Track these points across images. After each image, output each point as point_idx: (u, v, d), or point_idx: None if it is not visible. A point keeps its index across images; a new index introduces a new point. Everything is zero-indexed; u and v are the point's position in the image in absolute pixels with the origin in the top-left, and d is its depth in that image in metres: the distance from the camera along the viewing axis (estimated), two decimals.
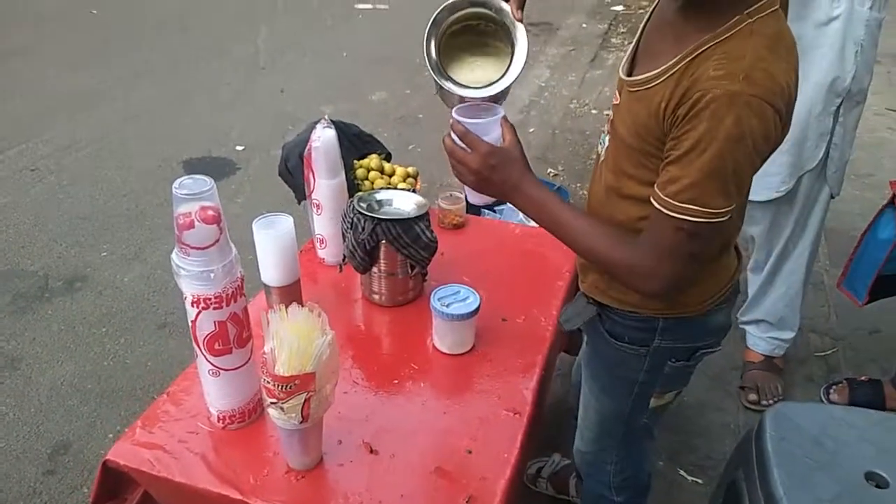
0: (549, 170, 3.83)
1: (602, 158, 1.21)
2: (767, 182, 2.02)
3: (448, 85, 1.32)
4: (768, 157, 1.01)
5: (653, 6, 1.16)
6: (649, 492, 1.65)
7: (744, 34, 0.94)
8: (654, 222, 1.04)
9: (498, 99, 1.32)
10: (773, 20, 0.96)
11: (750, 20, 0.94)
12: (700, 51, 0.96)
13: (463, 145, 1.16)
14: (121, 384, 2.42)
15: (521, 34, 1.29)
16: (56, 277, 2.96)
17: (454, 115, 1.19)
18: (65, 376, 2.45)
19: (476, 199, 1.26)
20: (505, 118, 1.20)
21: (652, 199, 1.02)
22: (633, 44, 1.17)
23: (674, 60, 0.99)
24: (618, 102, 1.15)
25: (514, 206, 1.19)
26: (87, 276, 2.97)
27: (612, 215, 1.18)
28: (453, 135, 1.17)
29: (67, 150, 4.04)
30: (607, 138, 1.20)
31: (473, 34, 1.34)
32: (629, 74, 1.11)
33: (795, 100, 0.98)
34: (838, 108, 1.94)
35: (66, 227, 3.31)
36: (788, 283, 2.24)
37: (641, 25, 1.17)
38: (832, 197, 2.11)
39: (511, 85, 1.32)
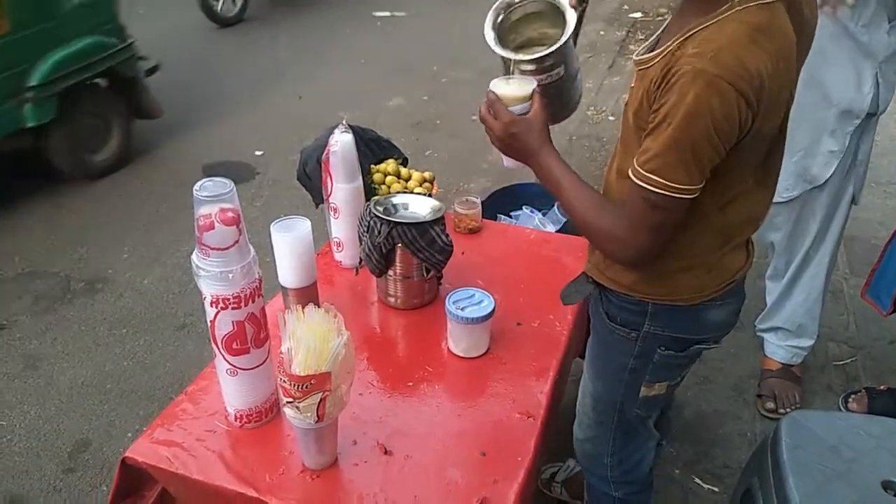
0: None
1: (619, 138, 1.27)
2: None
3: (506, 52, 1.40)
4: (739, 141, 1.03)
5: None
6: (651, 489, 1.63)
7: (728, 20, 0.99)
8: (628, 191, 1.09)
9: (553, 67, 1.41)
10: (764, 12, 1.00)
11: (739, 8, 0.99)
12: (689, 34, 1.01)
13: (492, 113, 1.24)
14: (140, 384, 2.45)
15: (570, 16, 1.39)
16: (77, 279, 3.01)
17: (490, 86, 1.27)
18: (85, 376, 2.49)
19: (508, 162, 1.33)
20: (536, 91, 1.25)
21: (629, 170, 1.08)
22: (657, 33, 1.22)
23: (669, 43, 1.04)
24: (633, 85, 1.19)
25: (532, 170, 1.26)
26: (108, 278, 3.02)
27: (619, 193, 1.21)
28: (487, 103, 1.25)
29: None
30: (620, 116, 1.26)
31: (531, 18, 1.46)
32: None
33: (774, 90, 1.01)
34: (856, 128, 1.92)
35: (87, 230, 3.36)
36: (808, 291, 2.22)
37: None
38: (853, 204, 2.10)
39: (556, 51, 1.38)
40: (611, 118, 4.48)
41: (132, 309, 2.83)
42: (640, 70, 1.12)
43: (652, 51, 1.15)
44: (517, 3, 1.42)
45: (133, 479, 1.29)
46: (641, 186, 1.04)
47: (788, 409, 2.22)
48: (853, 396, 2.25)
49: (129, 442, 1.31)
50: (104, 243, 3.26)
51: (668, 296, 1.24)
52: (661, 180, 1.02)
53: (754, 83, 0.97)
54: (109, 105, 3.82)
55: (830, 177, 1.98)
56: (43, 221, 3.43)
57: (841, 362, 2.49)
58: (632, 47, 5.87)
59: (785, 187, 2.03)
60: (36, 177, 3.76)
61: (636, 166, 1.05)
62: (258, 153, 4.12)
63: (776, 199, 2.03)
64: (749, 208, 1.21)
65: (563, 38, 1.37)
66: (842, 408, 2.25)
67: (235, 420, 1.31)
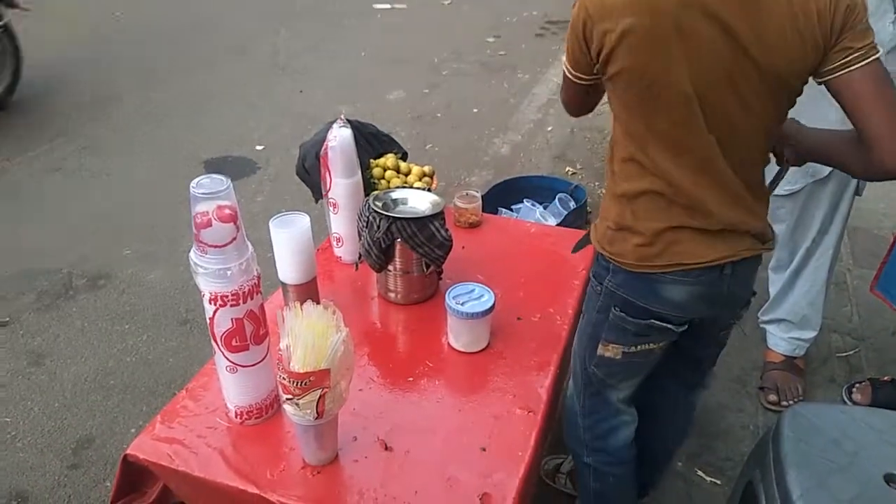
0: (568, 168, 3.82)
1: None
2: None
3: None
4: (598, 59, 1.16)
5: None
6: (626, 465, 1.60)
7: None
8: None
9: None
10: None
11: None
12: None
13: None
14: (143, 380, 2.46)
15: None
16: (80, 275, 3.01)
17: None
18: (88, 372, 2.49)
19: None
20: None
21: None
22: None
23: None
24: None
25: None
26: (111, 274, 3.02)
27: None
28: None
29: (91, 149, 4.11)
30: None
31: None
32: None
33: (631, 26, 1.08)
34: None
35: (89, 226, 3.37)
36: (811, 282, 2.21)
37: None
38: (857, 195, 2.09)
39: None
40: None
41: (135, 305, 2.84)
42: None
43: None
44: None
45: (134, 476, 1.29)
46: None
47: (791, 402, 2.22)
48: (856, 388, 2.25)
49: (133, 438, 1.31)
50: (106, 239, 3.26)
51: (618, 256, 1.30)
52: (564, 61, 1.28)
53: (599, 8, 1.11)
54: None
55: (833, 171, 1.97)
56: (46, 218, 3.44)
57: (844, 354, 2.48)
58: None
59: (787, 180, 2.01)
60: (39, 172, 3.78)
61: None
62: (259, 148, 4.12)
63: (779, 191, 2.03)
64: (700, 196, 1.21)
65: None
66: (845, 399, 2.25)
67: (236, 417, 1.31)
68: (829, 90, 1.15)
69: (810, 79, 1.17)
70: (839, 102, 1.15)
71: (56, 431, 2.25)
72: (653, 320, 1.32)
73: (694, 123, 1.15)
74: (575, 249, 1.58)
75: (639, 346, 1.37)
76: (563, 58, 1.29)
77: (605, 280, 1.34)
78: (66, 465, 2.14)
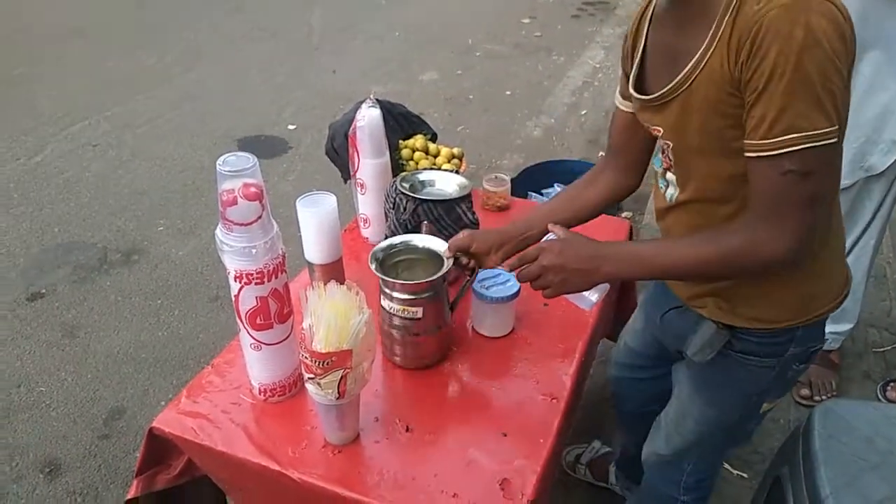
0: (601, 153, 3.76)
1: (672, 203, 1.17)
2: None
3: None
4: (850, 66, 0.90)
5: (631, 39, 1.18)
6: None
7: None
8: (756, 177, 0.93)
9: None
10: None
11: None
12: (736, 1, 0.91)
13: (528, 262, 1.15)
14: (173, 354, 2.50)
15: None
16: (114, 250, 3.07)
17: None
18: (121, 345, 2.54)
19: (583, 302, 1.20)
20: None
21: (747, 154, 0.93)
22: (625, 78, 1.18)
23: (714, 25, 0.93)
24: (662, 131, 1.10)
25: (608, 277, 1.11)
26: (144, 250, 3.07)
27: (692, 227, 1.13)
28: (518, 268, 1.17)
29: (127, 126, 4.17)
30: (673, 182, 1.15)
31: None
32: (655, 92, 1.07)
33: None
34: None
35: (124, 202, 3.42)
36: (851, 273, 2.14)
37: (630, 54, 1.18)
38: None
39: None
40: None
41: (167, 280, 2.88)
42: (686, 87, 1.00)
43: (674, 78, 1.02)
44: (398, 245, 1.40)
45: (160, 449, 1.31)
46: (778, 155, 0.89)
47: (824, 397, 2.17)
48: (892, 385, 2.19)
49: (162, 411, 1.34)
50: (141, 216, 3.31)
51: (815, 312, 1.16)
52: (800, 135, 0.87)
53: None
54: None
55: (890, 166, 1.90)
56: (83, 193, 3.50)
57: (881, 349, 2.41)
58: None
59: (843, 174, 1.94)
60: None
61: (759, 141, 0.90)
62: (291, 127, 4.13)
63: None
64: None
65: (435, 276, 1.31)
66: (880, 396, 2.19)
67: (260, 394, 1.33)
68: None
69: None
70: None
71: (88, 402, 2.31)
72: (815, 348, 1.24)
73: None
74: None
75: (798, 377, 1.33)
76: (796, 150, 0.88)
77: (788, 351, 1.18)
78: (98, 435, 2.19)
